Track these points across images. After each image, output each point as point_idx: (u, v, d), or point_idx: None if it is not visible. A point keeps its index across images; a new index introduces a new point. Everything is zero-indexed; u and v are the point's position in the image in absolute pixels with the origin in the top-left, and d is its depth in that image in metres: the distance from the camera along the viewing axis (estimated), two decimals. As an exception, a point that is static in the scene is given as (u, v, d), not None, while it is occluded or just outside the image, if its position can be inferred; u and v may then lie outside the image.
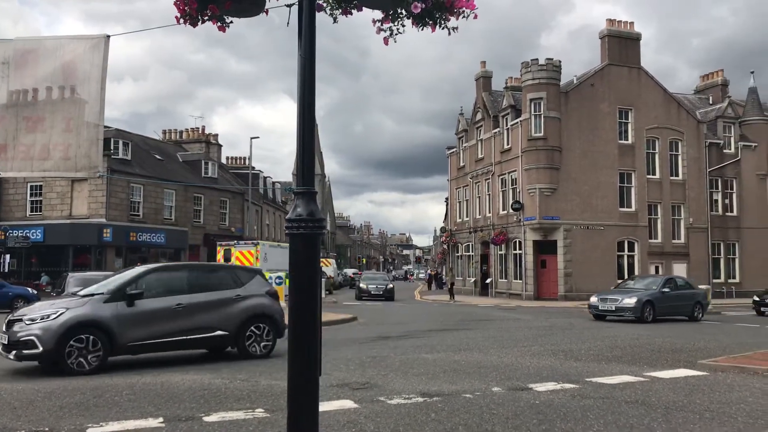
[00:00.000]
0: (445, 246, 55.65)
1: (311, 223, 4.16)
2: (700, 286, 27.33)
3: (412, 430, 6.65)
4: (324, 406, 7.43)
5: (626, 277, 38.36)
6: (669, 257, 39.69)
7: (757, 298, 30.20)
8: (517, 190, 39.12)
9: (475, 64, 47.56)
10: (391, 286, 40.45)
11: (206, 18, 4.38)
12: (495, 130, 42.53)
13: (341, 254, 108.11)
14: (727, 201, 42.34)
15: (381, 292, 39.07)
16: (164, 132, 53.08)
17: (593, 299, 23.74)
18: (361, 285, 40.26)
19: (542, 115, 37.03)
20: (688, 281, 27.28)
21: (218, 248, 37.61)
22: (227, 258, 36.83)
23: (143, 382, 9.49)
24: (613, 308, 22.45)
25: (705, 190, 41.13)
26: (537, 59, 37.44)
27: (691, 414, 7.55)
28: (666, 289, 23.41)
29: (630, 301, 22.17)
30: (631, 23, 40.44)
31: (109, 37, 5.21)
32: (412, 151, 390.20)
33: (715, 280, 39.85)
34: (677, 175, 40.54)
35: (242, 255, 36.95)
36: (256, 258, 36.37)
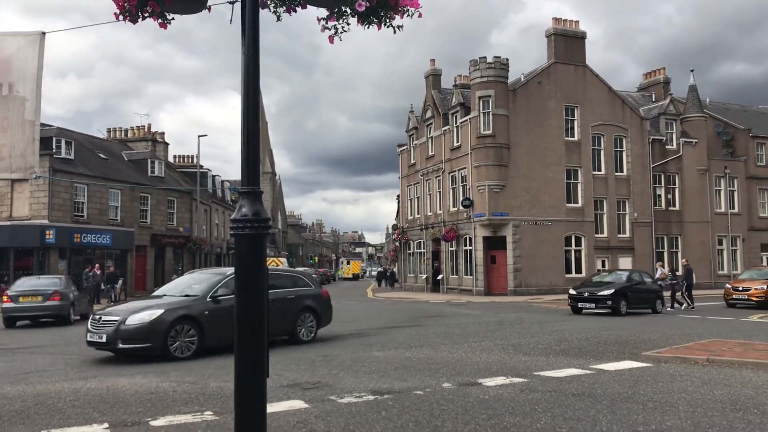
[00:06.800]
0: (397, 243, 55.76)
1: (256, 223, 4.13)
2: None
3: (363, 429, 6.65)
4: (274, 407, 7.38)
5: (573, 271, 39.32)
6: (615, 251, 40.65)
7: (574, 292, 23.41)
8: (467, 187, 39.48)
9: (426, 62, 47.65)
10: None
11: (146, 14, 4.26)
12: (445, 128, 42.84)
13: (293, 253, 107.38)
14: (669, 196, 43.55)
15: None
16: (109, 130, 51.74)
17: None
18: None
19: (491, 113, 37.41)
20: None
21: (343, 260, 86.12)
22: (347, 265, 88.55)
23: (88, 387, 9.26)
24: None
25: (649, 186, 42.19)
26: (485, 57, 37.80)
27: (636, 404, 7.74)
28: None
29: None
30: (577, 22, 41.17)
31: (44, 34, 5.06)
32: (365, 148, 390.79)
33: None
34: (622, 171, 41.50)
35: (354, 264, 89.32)
36: (360, 267, 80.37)
